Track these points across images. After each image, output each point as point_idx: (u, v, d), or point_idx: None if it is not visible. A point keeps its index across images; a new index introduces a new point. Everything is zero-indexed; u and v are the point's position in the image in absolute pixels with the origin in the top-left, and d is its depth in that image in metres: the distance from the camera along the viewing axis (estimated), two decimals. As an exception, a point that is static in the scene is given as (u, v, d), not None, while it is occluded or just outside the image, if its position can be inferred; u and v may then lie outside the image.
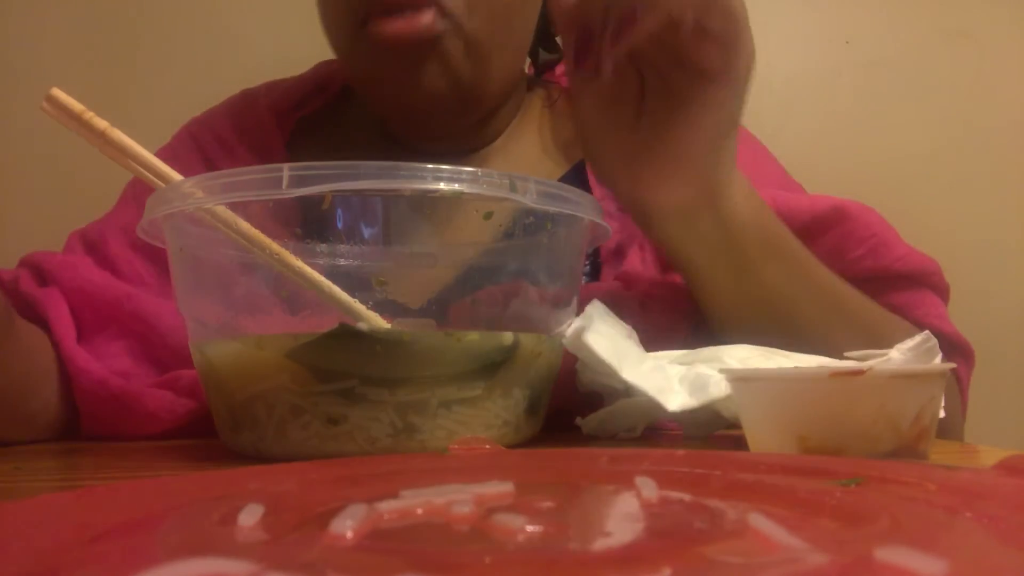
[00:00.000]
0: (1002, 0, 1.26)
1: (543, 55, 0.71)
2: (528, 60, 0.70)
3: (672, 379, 0.44)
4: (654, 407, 0.44)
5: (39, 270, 0.60)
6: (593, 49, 0.46)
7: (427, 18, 0.52)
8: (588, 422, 0.48)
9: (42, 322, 0.58)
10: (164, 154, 0.52)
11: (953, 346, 0.60)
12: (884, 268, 0.58)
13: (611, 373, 0.43)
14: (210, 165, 0.66)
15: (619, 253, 0.62)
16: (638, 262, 0.60)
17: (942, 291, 0.61)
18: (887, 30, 1.25)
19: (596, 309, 0.46)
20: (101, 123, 0.39)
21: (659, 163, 0.50)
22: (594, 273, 0.62)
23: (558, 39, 0.50)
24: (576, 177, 0.65)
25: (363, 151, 0.67)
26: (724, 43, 0.46)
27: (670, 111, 0.49)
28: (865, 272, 0.58)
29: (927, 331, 0.41)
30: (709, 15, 0.44)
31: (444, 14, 0.53)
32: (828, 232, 0.57)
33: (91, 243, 0.64)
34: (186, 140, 0.69)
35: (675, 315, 0.57)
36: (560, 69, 0.72)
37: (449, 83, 0.56)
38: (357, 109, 0.70)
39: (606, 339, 0.44)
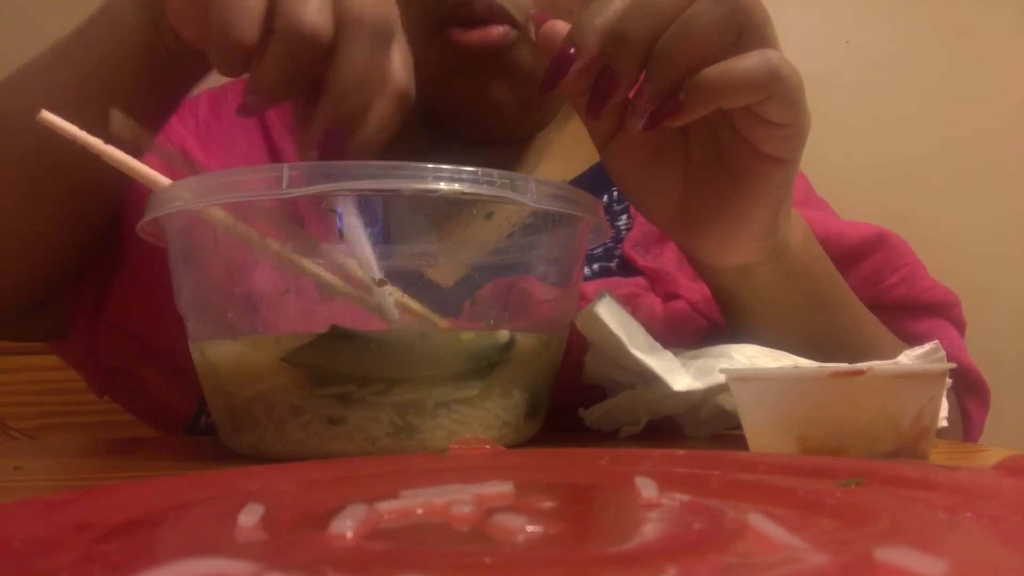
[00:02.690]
0: (1002, 0, 1.26)
1: None
2: None
3: (679, 364, 0.45)
4: (657, 398, 0.44)
5: None
6: (610, 99, 0.42)
7: (500, 30, 0.56)
8: (591, 413, 0.48)
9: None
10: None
11: (969, 383, 0.61)
12: (914, 298, 0.61)
13: (620, 347, 0.44)
14: (268, 138, 0.65)
15: (643, 244, 0.61)
16: (673, 259, 0.59)
17: (960, 325, 0.63)
18: (887, 30, 1.25)
19: (605, 296, 0.46)
20: (95, 142, 0.39)
21: (717, 233, 0.47)
22: (607, 256, 0.62)
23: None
24: None
25: (407, 137, 0.66)
26: (783, 132, 0.42)
27: (723, 182, 0.46)
28: (896, 299, 0.60)
29: (936, 341, 0.41)
30: (766, 106, 0.40)
31: (515, 27, 0.56)
32: (869, 257, 0.59)
33: None
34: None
35: (694, 317, 0.57)
36: None
37: (516, 89, 0.59)
38: None
39: (618, 316, 0.45)
